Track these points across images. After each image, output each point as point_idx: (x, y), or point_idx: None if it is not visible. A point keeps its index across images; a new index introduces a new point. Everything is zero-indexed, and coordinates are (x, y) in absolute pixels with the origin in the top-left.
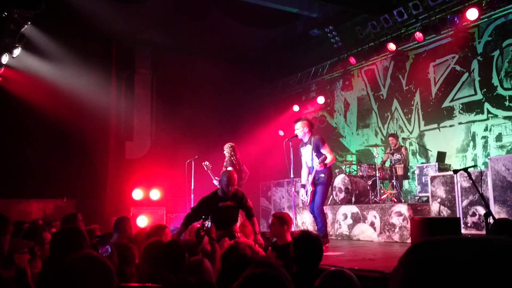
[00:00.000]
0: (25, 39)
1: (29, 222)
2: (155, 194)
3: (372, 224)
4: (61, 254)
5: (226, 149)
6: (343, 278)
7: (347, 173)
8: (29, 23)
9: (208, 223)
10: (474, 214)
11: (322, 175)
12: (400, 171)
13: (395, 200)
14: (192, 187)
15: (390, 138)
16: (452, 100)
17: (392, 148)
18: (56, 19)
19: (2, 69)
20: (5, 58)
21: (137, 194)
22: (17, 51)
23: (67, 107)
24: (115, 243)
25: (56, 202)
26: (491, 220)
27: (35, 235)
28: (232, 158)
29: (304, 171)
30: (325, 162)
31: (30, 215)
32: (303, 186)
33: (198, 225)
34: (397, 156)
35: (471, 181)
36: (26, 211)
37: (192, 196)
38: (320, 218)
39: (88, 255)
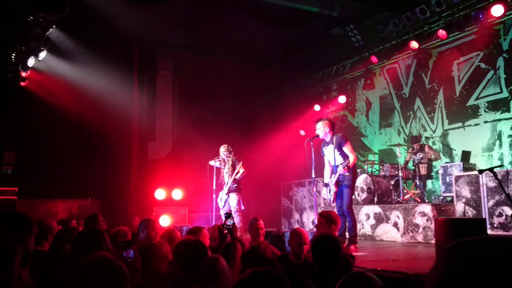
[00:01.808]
0: (50, 42)
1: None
2: (178, 194)
3: (395, 225)
4: (80, 254)
5: (226, 151)
6: (364, 280)
7: (370, 173)
8: (54, 26)
9: (230, 221)
10: (500, 215)
11: (347, 173)
12: (423, 171)
13: (419, 200)
14: (214, 187)
15: (415, 145)
16: (477, 99)
17: (415, 147)
18: (79, 22)
19: (29, 72)
20: (31, 61)
21: (160, 194)
22: (42, 54)
23: (90, 108)
24: (142, 243)
25: (80, 202)
26: None
27: (68, 235)
28: (235, 158)
29: (327, 170)
30: (348, 165)
31: (56, 215)
32: (326, 185)
33: (220, 224)
34: (420, 155)
35: (497, 181)
36: (51, 211)
37: (214, 196)
38: (350, 217)
39: (101, 257)
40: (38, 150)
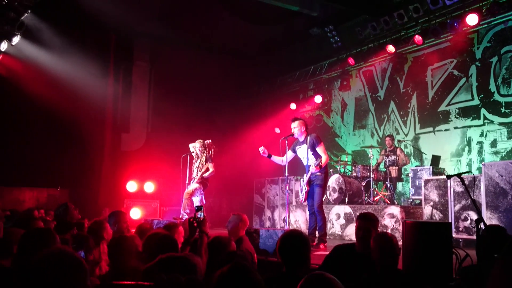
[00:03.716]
0: (25, 27)
1: (10, 210)
2: (150, 187)
3: None
4: (28, 253)
5: (202, 147)
6: (324, 281)
7: (342, 173)
8: (29, 11)
9: (201, 214)
10: (466, 219)
11: (319, 173)
12: (394, 173)
13: (388, 202)
14: (187, 182)
15: (387, 139)
16: (448, 104)
17: (387, 149)
18: (56, 8)
19: (1, 57)
20: (4, 46)
21: (132, 186)
22: (16, 39)
23: (64, 97)
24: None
25: (49, 191)
26: (482, 226)
27: (27, 224)
28: (209, 155)
29: (284, 157)
30: (320, 164)
31: (23, 204)
32: (270, 156)
33: (191, 217)
34: (392, 157)
35: (464, 187)
36: (19, 199)
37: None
38: (320, 216)
39: (60, 250)
40: (7, 137)
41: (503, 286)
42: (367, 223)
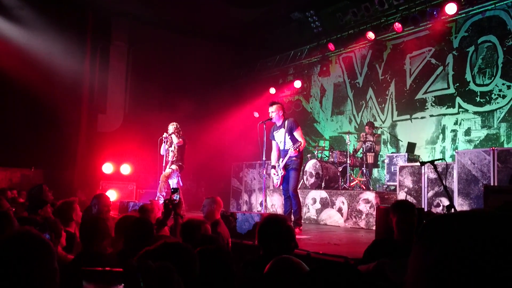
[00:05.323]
0: None
1: None
2: (126, 169)
3: (339, 210)
4: None
5: (175, 129)
6: (289, 265)
7: (319, 159)
8: None
9: (176, 196)
10: (438, 205)
11: (294, 158)
12: (370, 159)
13: (364, 187)
14: (164, 164)
15: (367, 127)
16: (425, 93)
17: (365, 135)
18: None
19: None
20: None
21: (108, 168)
22: None
23: (39, 75)
24: (86, 217)
25: (23, 171)
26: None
27: None
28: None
29: (274, 153)
30: (299, 147)
31: None
32: (273, 167)
33: (166, 199)
34: (369, 144)
35: (437, 174)
36: None
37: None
38: (295, 200)
39: (25, 231)
40: None
41: (417, 271)
42: (408, 216)
